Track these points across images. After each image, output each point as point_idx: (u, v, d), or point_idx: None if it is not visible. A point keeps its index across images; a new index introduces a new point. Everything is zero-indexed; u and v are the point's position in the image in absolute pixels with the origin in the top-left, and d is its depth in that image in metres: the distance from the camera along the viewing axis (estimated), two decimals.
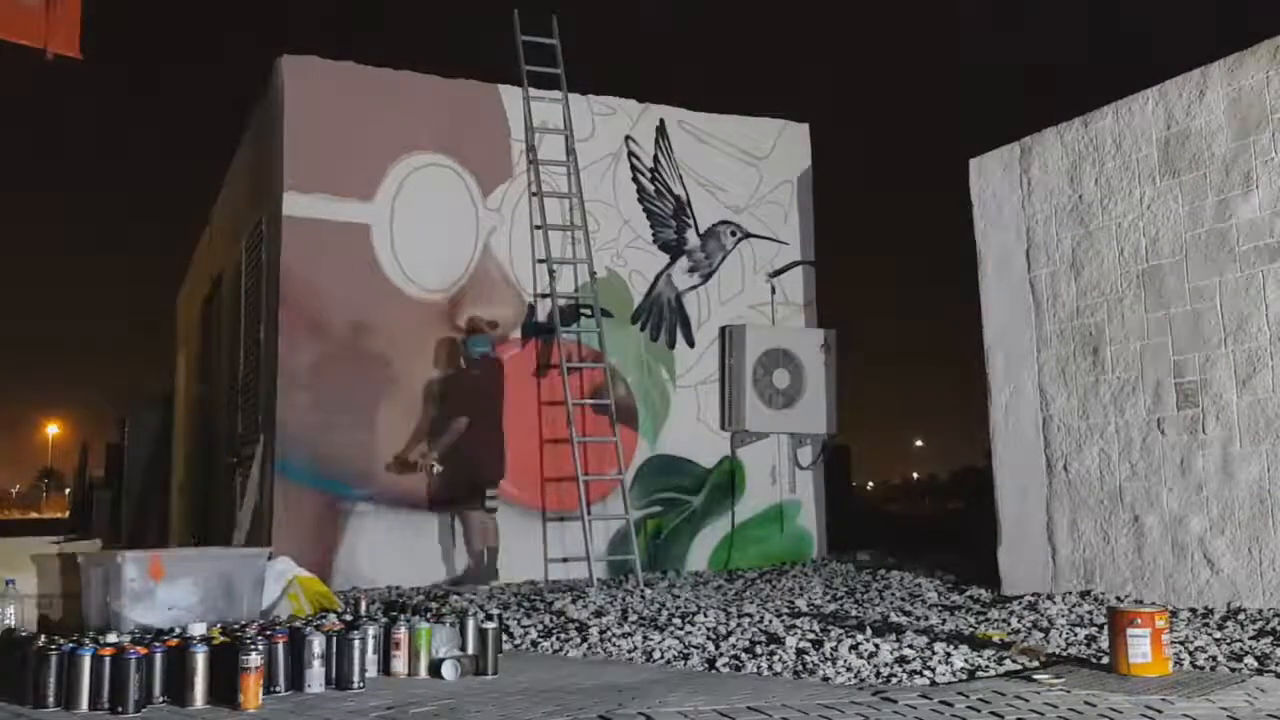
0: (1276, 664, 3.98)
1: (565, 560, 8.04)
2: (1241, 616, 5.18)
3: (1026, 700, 3.34)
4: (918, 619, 5.43)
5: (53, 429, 72.21)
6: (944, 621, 5.32)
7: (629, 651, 4.65)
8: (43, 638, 3.71)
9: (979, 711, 3.20)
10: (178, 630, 3.90)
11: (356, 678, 3.80)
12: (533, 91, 8.89)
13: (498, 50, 8.95)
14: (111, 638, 3.69)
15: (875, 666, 4.08)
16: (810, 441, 9.66)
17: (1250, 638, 4.57)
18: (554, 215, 8.71)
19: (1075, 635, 4.76)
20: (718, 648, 4.60)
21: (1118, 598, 6.02)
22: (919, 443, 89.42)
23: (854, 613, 5.78)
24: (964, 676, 3.92)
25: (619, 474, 8.16)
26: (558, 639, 5.00)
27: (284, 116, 8.19)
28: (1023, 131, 7.07)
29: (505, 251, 8.68)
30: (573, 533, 8.17)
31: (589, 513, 7.86)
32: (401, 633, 4.07)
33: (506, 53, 8.92)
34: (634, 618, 5.65)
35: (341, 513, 7.89)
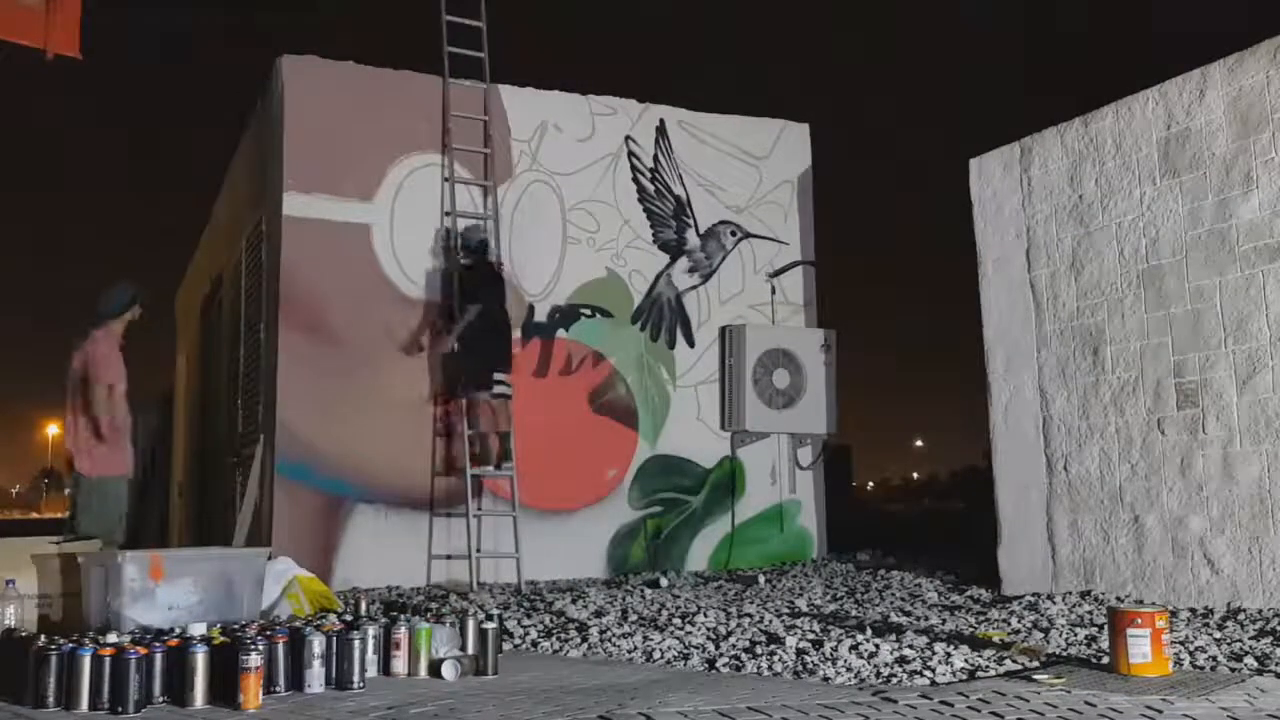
0: (1277, 664, 3.98)
1: (449, 557, 7.97)
2: (1241, 616, 5.18)
3: (1027, 700, 3.34)
4: (918, 619, 5.43)
5: (53, 429, 72.25)
6: (944, 621, 5.33)
7: (629, 651, 4.65)
8: (42, 638, 3.71)
9: (979, 712, 3.20)
10: (178, 630, 3.90)
11: (357, 678, 3.79)
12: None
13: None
14: (111, 638, 3.69)
15: (875, 667, 4.08)
16: (810, 441, 9.66)
17: (1250, 638, 4.57)
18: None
19: (1075, 635, 4.76)
20: (718, 648, 4.60)
21: (1118, 598, 6.02)
22: (919, 443, 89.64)
23: (854, 613, 5.78)
24: (964, 676, 3.92)
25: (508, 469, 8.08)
26: (558, 639, 5.00)
27: (284, 116, 8.20)
28: (1023, 131, 7.08)
29: (505, 252, 8.68)
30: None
31: (479, 508, 8.01)
32: (401, 633, 4.07)
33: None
34: (634, 618, 5.66)
35: (341, 513, 7.90)
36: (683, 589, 7.27)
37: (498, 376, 7.97)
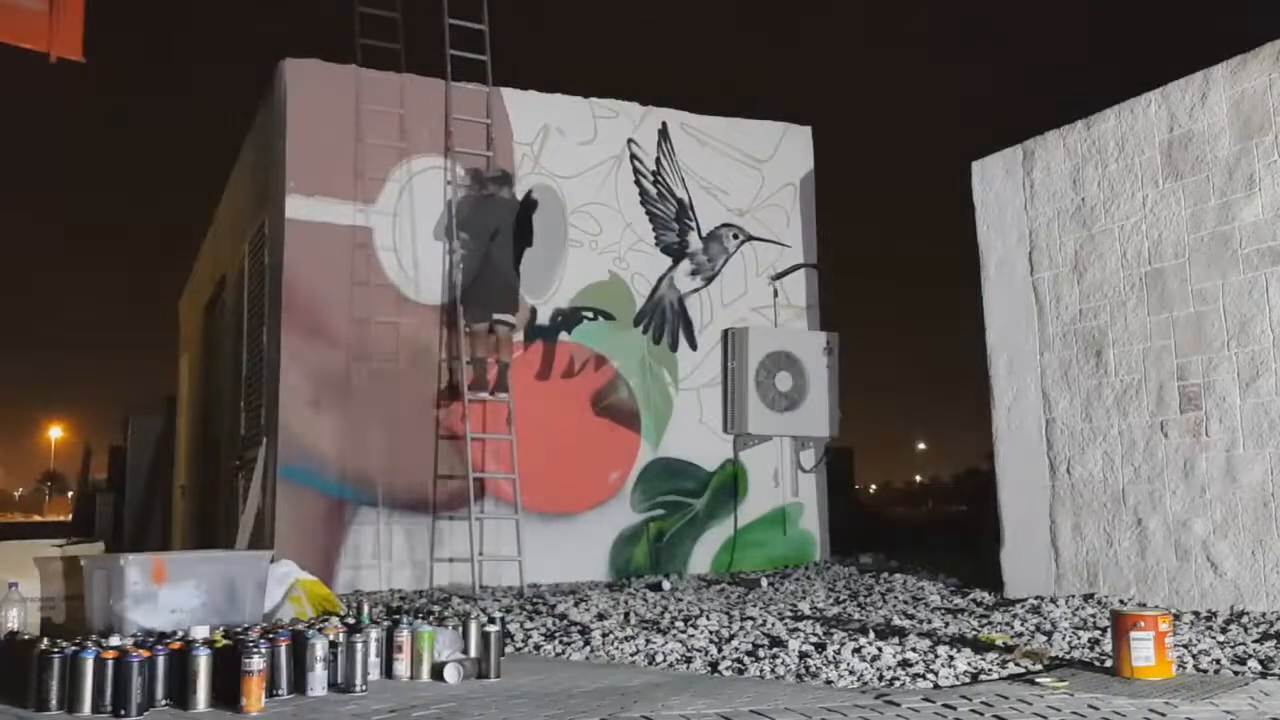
0: None
1: (451, 560, 7.98)
2: (1245, 620, 5.17)
3: (1030, 704, 3.33)
4: (920, 622, 5.42)
5: (55, 432, 72.39)
6: (947, 624, 5.32)
7: (631, 655, 4.65)
8: (45, 641, 3.71)
9: (982, 715, 3.20)
10: (180, 633, 3.90)
11: (359, 681, 3.80)
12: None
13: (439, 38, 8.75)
14: (114, 640, 3.69)
15: (878, 670, 4.07)
16: (813, 444, 9.66)
17: (1254, 641, 4.56)
18: None
19: (1078, 638, 4.75)
20: (720, 651, 4.60)
21: (1121, 601, 6.01)
22: (921, 445, 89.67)
23: (857, 616, 5.78)
24: (967, 680, 3.92)
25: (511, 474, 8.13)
26: (560, 642, 5.00)
27: (286, 119, 8.21)
28: (1025, 133, 7.08)
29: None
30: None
31: (482, 510, 8.08)
32: (404, 636, 4.07)
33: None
34: (636, 620, 5.65)
35: (344, 516, 7.90)
36: (685, 592, 7.27)
37: (496, 317, 8.27)
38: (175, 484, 14.51)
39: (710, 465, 9.24)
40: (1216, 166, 5.88)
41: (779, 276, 9.80)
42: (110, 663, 3.48)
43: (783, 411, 9.34)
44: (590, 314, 8.97)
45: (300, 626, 4.07)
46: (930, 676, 3.94)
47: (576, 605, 6.27)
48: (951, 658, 4.21)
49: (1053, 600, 6.10)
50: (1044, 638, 4.84)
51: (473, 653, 4.14)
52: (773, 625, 5.27)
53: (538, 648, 4.95)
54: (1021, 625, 5.22)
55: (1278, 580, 5.40)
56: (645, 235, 9.31)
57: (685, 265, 9.43)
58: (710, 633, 5.08)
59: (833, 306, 10.11)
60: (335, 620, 4.33)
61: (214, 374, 11.98)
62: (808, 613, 5.95)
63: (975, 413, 7.60)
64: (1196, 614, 5.48)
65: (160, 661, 3.56)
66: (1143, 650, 3.70)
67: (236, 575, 4.69)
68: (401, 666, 4.05)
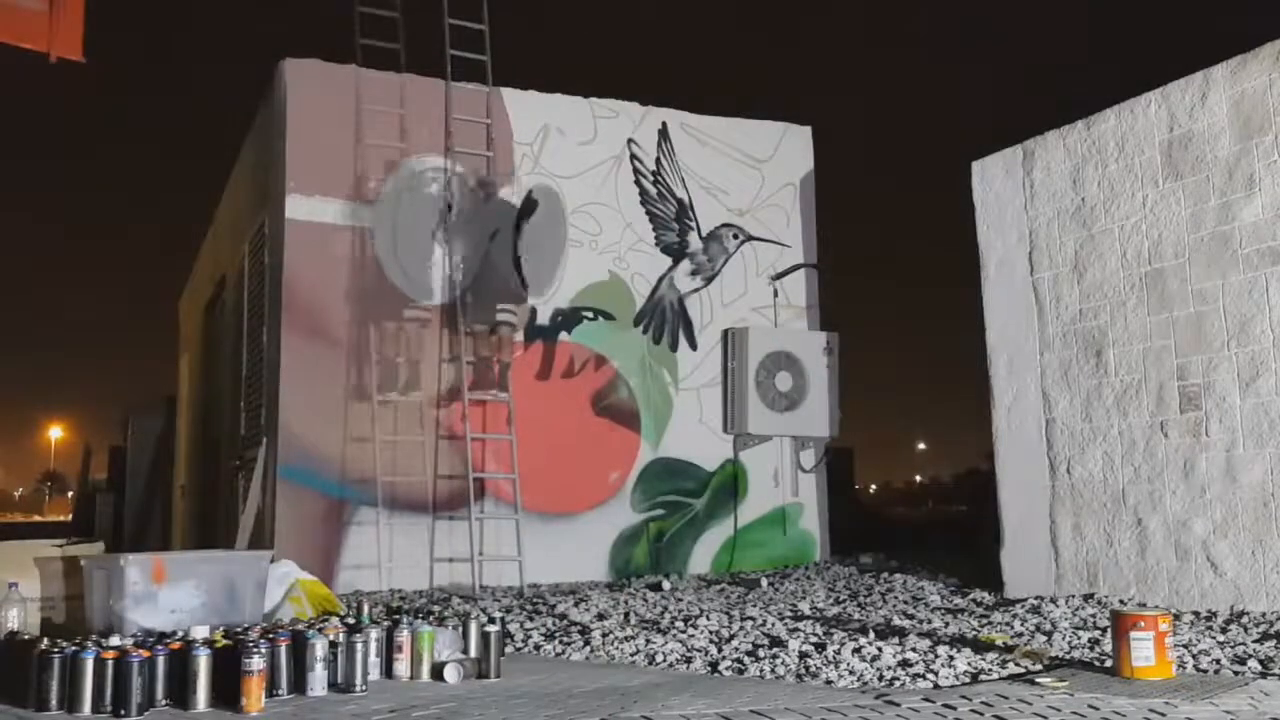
0: None
1: (451, 560, 7.99)
2: (1245, 620, 5.17)
3: (1030, 704, 3.33)
4: (921, 622, 5.43)
5: (55, 432, 72.38)
6: (947, 624, 5.32)
7: (631, 655, 4.65)
8: (45, 641, 3.71)
9: (982, 715, 3.20)
10: (180, 633, 3.90)
11: (359, 681, 3.80)
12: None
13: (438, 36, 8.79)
14: (114, 640, 3.69)
15: (878, 670, 4.07)
16: (813, 444, 9.66)
17: (1254, 641, 4.56)
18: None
19: (1078, 638, 4.75)
20: (720, 651, 4.60)
21: (1121, 601, 6.01)
22: (921, 445, 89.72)
23: (857, 616, 5.78)
24: (967, 680, 3.92)
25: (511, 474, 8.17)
26: (560, 642, 5.00)
27: (286, 119, 8.21)
28: (1025, 133, 7.08)
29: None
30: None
31: (482, 510, 8.12)
32: (404, 636, 4.07)
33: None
34: (636, 621, 5.65)
35: (344, 516, 7.90)
36: (685, 592, 7.27)
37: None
38: (175, 484, 14.52)
39: (710, 465, 9.24)
40: (1216, 166, 5.88)
41: (779, 276, 9.80)
42: (110, 663, 3.48)
43: (783, 411, 9.34)
44: (590, 314, 8.97)
45: (300, 626, 4.07)
46: (930, 676, 3.94)
47: (576, 605, 6.27)
48: (951, 658, 4.21)
49: (1053, 600, 6.10)
50: (1044, 638, 4.84)
51: (473, 653, 4.15)
52: (773, 625, 5.27)
53: (538, 648, 4.95)
54: (1021, 625, 5.22)
55: (1278, 580, 5.41)
56: (645, 235, 9.31)
57: (685, 265, 9.43)
58: (710, 633, 5.08)
59: (833, 306, 10.12)
60: (335, 620, 4.33)
61: (214, 374, 11.98)
62: (808, 613, 5.95)
63: (975, 413, 7.61)
64: (1196, 614, 5.48)
65: (160, 661, 3.56)
66: (1143, 650, 3.70)
67: (236, 575, 4.69)
68: (401, 666, 4.05)
